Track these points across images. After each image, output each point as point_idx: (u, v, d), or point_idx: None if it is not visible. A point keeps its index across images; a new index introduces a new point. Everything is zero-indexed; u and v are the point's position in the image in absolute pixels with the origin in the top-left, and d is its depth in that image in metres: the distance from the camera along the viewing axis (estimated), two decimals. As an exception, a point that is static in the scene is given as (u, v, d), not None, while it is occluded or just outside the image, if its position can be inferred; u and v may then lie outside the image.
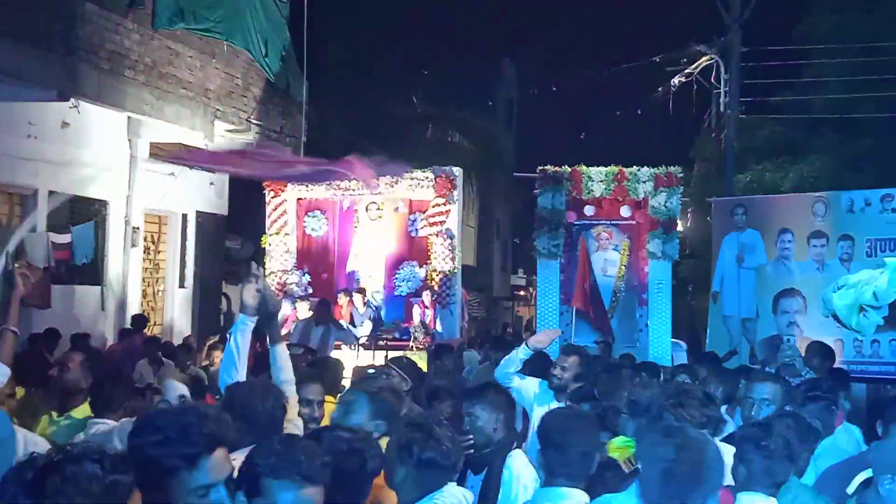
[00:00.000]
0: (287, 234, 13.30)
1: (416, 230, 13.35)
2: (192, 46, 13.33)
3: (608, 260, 12.69)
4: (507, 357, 6.32)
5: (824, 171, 18.29)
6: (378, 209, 13.61)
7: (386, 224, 13.65)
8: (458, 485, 3.41)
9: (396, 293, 13.29)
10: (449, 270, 12.69)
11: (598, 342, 11.58)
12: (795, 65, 20.60)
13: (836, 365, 8.41)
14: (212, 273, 16.00)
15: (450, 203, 12.79)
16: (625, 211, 12.59)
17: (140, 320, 12.51)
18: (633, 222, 12.65)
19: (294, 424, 3.85)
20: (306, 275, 13.23)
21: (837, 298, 10.93)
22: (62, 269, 12.18)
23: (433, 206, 12.81)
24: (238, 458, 2.60)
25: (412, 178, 12.88)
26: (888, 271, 9.48)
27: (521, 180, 20.96)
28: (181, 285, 15.10)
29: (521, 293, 36.55)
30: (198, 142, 13.73)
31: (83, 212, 12.81)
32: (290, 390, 4.01)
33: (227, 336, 4.25)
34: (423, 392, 6.25)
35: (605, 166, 12.50)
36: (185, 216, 15.01)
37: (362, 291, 12.96)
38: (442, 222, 12.77)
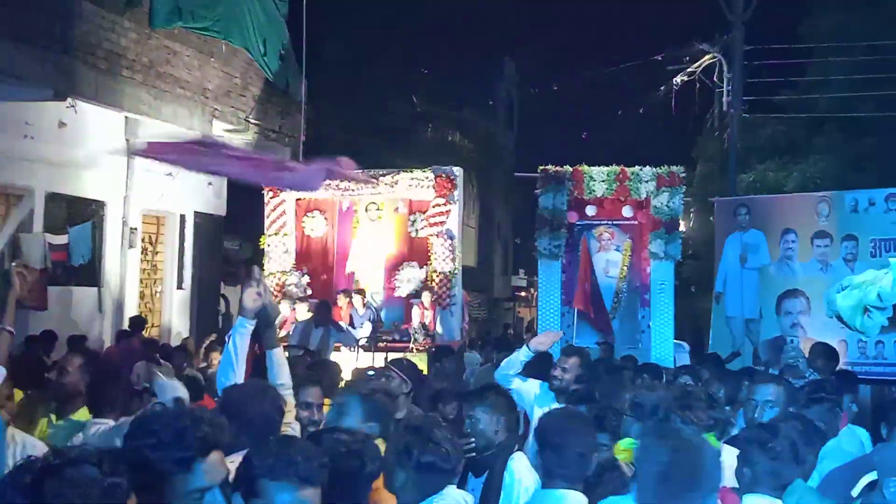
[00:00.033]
0: (286, 234, 13.29)
1: (416, 231, 13.34)
2: (190, 45, 13.33)
3: (610, 260, 12.69)
4: (507, 359, 6.32)
5: (828, 171, 18.30)
6: (378, 209, 13.60)
7: (386, 224, 13.64)
8: (458, 488, 3.41)
9: (396, 294, 13.29)
10: (449, 271, 12.68)
11: (600, 343, 11.57)
12: (799, 63, 20.60)
13: (839, 366, 8.41)
14: (210, 274, 16.00)
15: (450, 203, 12.79)
16: (627, 211, 12.59)
17: (138, 322, 12.51)
18: (636, 222, 12.65)
19: (291, 428, 3.85)
20: (305, 276, 13.22)
21: (841, 299, 10.91)
22: (59, 270, 12.18)
23: (433, 207, 12.81)
24: (235, 460, 2.60)
25: (412, 178, 12.88)
26: (892, 272, 9.47)
27: (522, 180, 20.94)
28: (179, 286, 15.10)
29: (522, 294, 36.55)
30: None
31: (80, 212, 12.81)
32: (287, 394, 4.01)
33: (226, 338, 4.25)
34: (423, 394, 6.26)
35: (607, 166, 12.49)
36: (183, 217, 15.01)
37: (362, 292, 12.96)
38: (442, 223, 12.76)
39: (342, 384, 6.31)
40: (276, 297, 12.32)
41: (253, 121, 14.94)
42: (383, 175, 12.97)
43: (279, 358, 4.13)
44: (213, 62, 13.91)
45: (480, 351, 14.45)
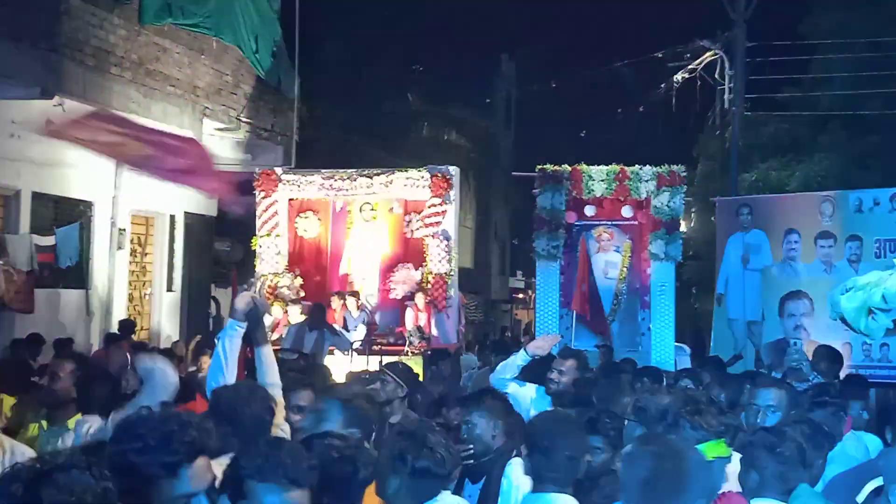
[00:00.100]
0: (278, 235, 13.28)
1: (412, 231, 13.34)
2: (180, 42, 13.31)
3: (609, 262, 12.70)
4: (504, 362, 6.31)
5: (831, 169, 18.32)
6: (372, 210, 13.60)
7: (380, 225, 13.63)
8: (455, 494, 3.40)
9: (391, 296, 13.27)
10: (445, 273, 12.68)
11: (599, 346, 11.57)
12: (801, 60, 20.63)
13: (845, 369, 8.41)
14: (200, 276, 15.97)
15: (446, 203, 12.79)
16: (626, 211, 12.60)
17: (127, 325, 12.49)
18: (635, 223, 12.65)
19: (281, 430, 3.84)
20: (298, 278, 13.21)
21: (845, 301, 10.90)
22: (46, 272, 12.14)
23: (429, 207, 12.81)
24: (224, 463, 2.60)
25: (407, 178, 12.88)
26: (897, 273, 9.47)
27: (520, 179, 20.94)
28: (169, 289, 15.08)
29: (520, 296, 36.56)
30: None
31: (67, 213, 12.78)
32: (277, 393, 4.00)
33: (216, 340, 4.25)
34: (419, 398, 6.24)
35: (607, 165, 12.51)
36: (172, 217, 14.98)
37: (356, 295, 12.95)
38: (438, 223, 12.76)
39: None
40: (269, 299, 12.31)
41: (244, 119, 14.93)
42: (378, 174, 12.97)
43: (268, 356, 4.13)
44: (203, 59, 13.89)
45: (478, 354, 14.44)
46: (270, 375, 4.07)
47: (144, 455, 2.37)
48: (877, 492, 3.78)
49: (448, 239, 12.77)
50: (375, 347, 11.79)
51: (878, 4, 18.70)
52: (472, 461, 4.16)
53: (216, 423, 3.02)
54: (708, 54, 22.33)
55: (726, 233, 12.72)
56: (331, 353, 11.28)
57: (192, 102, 13.55)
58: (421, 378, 8.18)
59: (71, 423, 4.85)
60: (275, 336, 11.41)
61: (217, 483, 2.52)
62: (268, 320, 10.46)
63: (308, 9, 15.45)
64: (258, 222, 13.30)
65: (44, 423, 5.03)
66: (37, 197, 12.15)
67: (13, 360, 8.90)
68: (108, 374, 5.56)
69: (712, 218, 15.39)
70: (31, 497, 1.93)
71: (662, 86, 23.40)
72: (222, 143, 15.06)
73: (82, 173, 12.61)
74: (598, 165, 12.51)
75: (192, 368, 9.99)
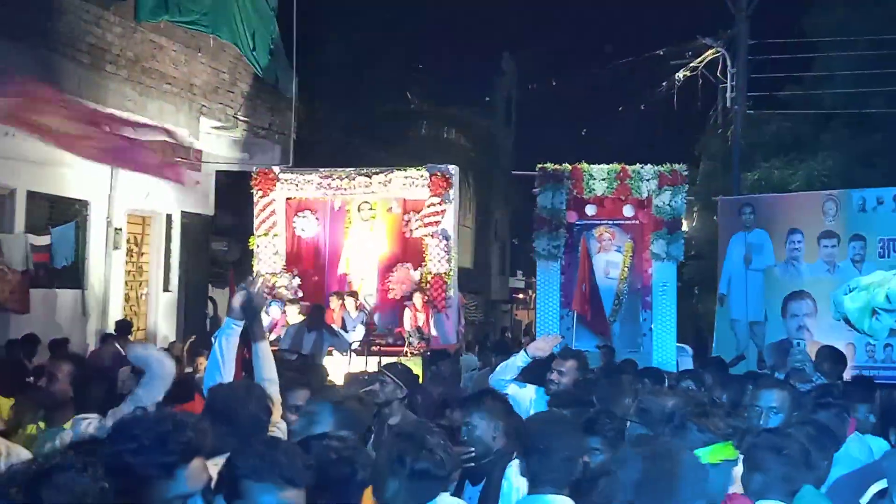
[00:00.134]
0: (276, 235, 13.27)
1: (411, 231, 13.33)
2: (177, 40, 13.30)
3: (610, 262, 12.70)
4: (503, 363, 6.30)
5: (834, 168, 18.31)
6: (371, 209, 13.59)
7: (379, 224, 13.63)
8: (455, 496, 3.40)
9: (390, 297, 13.27)
10: (445, 273, 12.67)
11: (601, 347, 11.58)
12: (804, 58, 20.61)
13: (847, 370, 8.42)
14: (197, 276, 15.97)
15: (446, 202, 12.78)
16: (628, 210, 12.60)
17: (124, 326, 12.48)
18: (637, 222, 12.66)
19: (278, 428, 3.84)
20: (296, 277, 13.20)
21: (849, 301, 10.94)
22: (41, 272, 12.14)
23: (428, 206, 12.80)
24: (220, 463, 2.60)
25: (406, 177, 12.87)
26: (901, 273, 9.50)
27: (520, 179, 20.94)
28: (165, 289, 15.08)
29: (520, 296, 36.59)
30: (182, 139, 13.70)
31: (63, 212, 12.78)
32: (273, 389, 4.00)
33: (213, 339, 4.25)
34: (418, 400, 6.24)
35: (608, 164, 12.51)
36: (169, 217, 14.98)
37: (354, 295, 12.94)
38: (437, 223, 12.76)
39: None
40: (266, 299, 12.30)
41: (242, 118, 14.93)
42: (377, 173, 12.97)
43: (265, 352, 4.13)
44: (200, 57, 13.89)
45: (478, 355, 14.45)
46: (267, 371, 4.08)
47: (140, 455, 2.36)
48: (881, 494, 3.78)
49: (447, 238, 12.76)
50: (374, 348, 11.79)
51: (882, 1, 18.71)
52: (472, 464, 4.16)
53: (212, 422, 3.02)
54: (710, 52, 22.32)
55: (729, 232, 12.73)
56: (329, 353, 11.28)
57: (188, 101, 13.55)
58: (420, 379, 8.18)
59: (68, 424, 4.86)
60: (273, 337, 11.41)
61: (212, 483, 2.53)
62: (266, 320, 10.45)
63: (306, 5, 15.44)
64: (255, 222, 13.30)
65: (41, 424, 5.03)
66: (32, 196, 12.15)
67: (8, 361, 8.90)
68: (105, 374, 5.57)
69: (714, 217, 15.40)
70: (31, 498, 1.93)
71: (664, 84, 23.40)
72: (219, 142, 15.07)
73: (78, 172, 12.61)
74: (599, 164, 12.51)
75: (189, 370, 9.99)
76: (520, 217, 26.99)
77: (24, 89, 6.73)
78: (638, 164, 12.41)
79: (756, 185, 19.20)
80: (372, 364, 10.24)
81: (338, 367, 10.72)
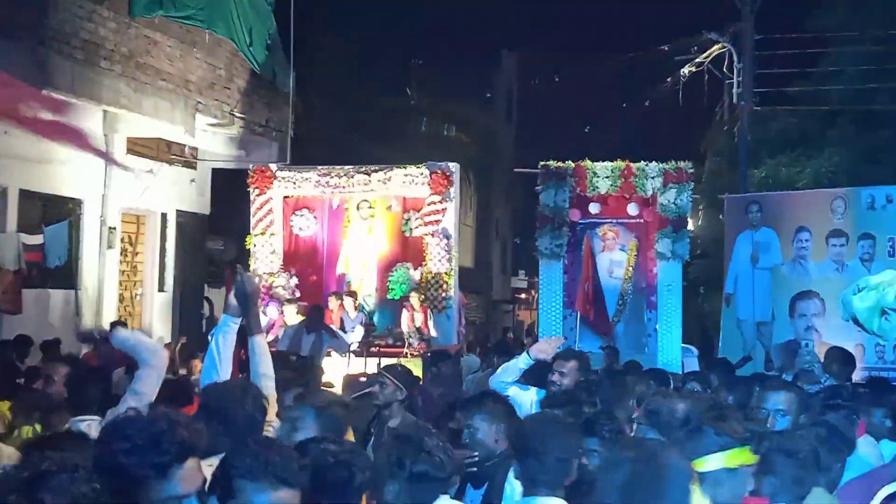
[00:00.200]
0: (273, 234, 13.27)
1: (411, 230, 13.32)
2: (172, 35, 13.28)
3: (614, 261, 12.69)
4: (504, 365, 6.29)
5: (841, 165, 18.29)
6: (370, 207, 13.58)
7: (378, 223, 13.62)
8: (457, 499, 3.39)
9: (389, 297, 13.26)
10: (445, 272, 12.67)
11: (604, 348, 11.57)
12: (811, 53, 20.59)
13: (856, 371, 8.41)
14: (193, 276, 15.97)
15: (446, 201, 12.78)
16: (632, 209, 12.59)
17: (118, 326, 12.47)
18: (641, 221, 12.65)
19: (272, 426, 3.83)
20: (294, 277, 13.20)
21: (858, 301, 10.94)
22: (34, 271, 12.14)
23: (428, 205, 12.80)
24: (214, 462, 2.59)
25: (406, 175, 12.87)
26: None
27: (523, 176, 20.95)
28: (160, 289, 15.07)
29: (523, 296, 36.58)
30: (178, 136, 13.70)
31: (56, 211, 12.78)
32: (269, 385, 3.99)
33: (209, 337, 4.23)
34: (419, 401, 6.24)
35: (611, 161, 12.50)
36: (164, 215, 14.98)
37: (353, 295, 12.93)
38: (438, 221, 12.75)
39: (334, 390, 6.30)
40: (263, 299, 12.28)
41: (238, 114, 14.91)
42: (376, 171, 12.97)
43: (262, 346, 4.12)
44: (196, 53, 13.86)
45: (481, 356, 14.43)
46: (264, 366, 4.06)
47: (133, 456, 2.35)
48: (891, 497, 3.78)
49: (448, 237, 12.76)
50: (374, 349, 11.78)
51: (882, 3, 18.70)
52: (474, 468, 4.15)
53: (207, 421, 3.01)
54: (715, 47, 22.29)
55: (735, 231, 12.73)
56: (328, 354, 11.27)
57: (184, 97, 13.53)
58: (421, 381, 8.17)
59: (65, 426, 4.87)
60: (270, 337, 11.41)
61: (206, 484, 2.52)
62: (263, 320, 10.44)
63: (303, 1, 15.43)
64: (252, 220, 13.30)
65: (38, 426, 5.04)
66: (24, 194, 12.15)
67: (1, 362, 8.90)
68: (100, 375, 5.58)
69: (720, 215, 15.39)
70: (30, 500, 1.94)
71: (669, 80, 23.39)
72: (215, 139, 15.06)
73: (71, 170, 12.61)
74: (603, 162, 12.50)
75: (183, 371, 9.97)
76: (522, 215, 27.02)
77: None
78: (642, 162, 12.41)
79: (763, 182, 19.18)
80: (371, 365, 10.24)
81: (336, 369, 10.73)
